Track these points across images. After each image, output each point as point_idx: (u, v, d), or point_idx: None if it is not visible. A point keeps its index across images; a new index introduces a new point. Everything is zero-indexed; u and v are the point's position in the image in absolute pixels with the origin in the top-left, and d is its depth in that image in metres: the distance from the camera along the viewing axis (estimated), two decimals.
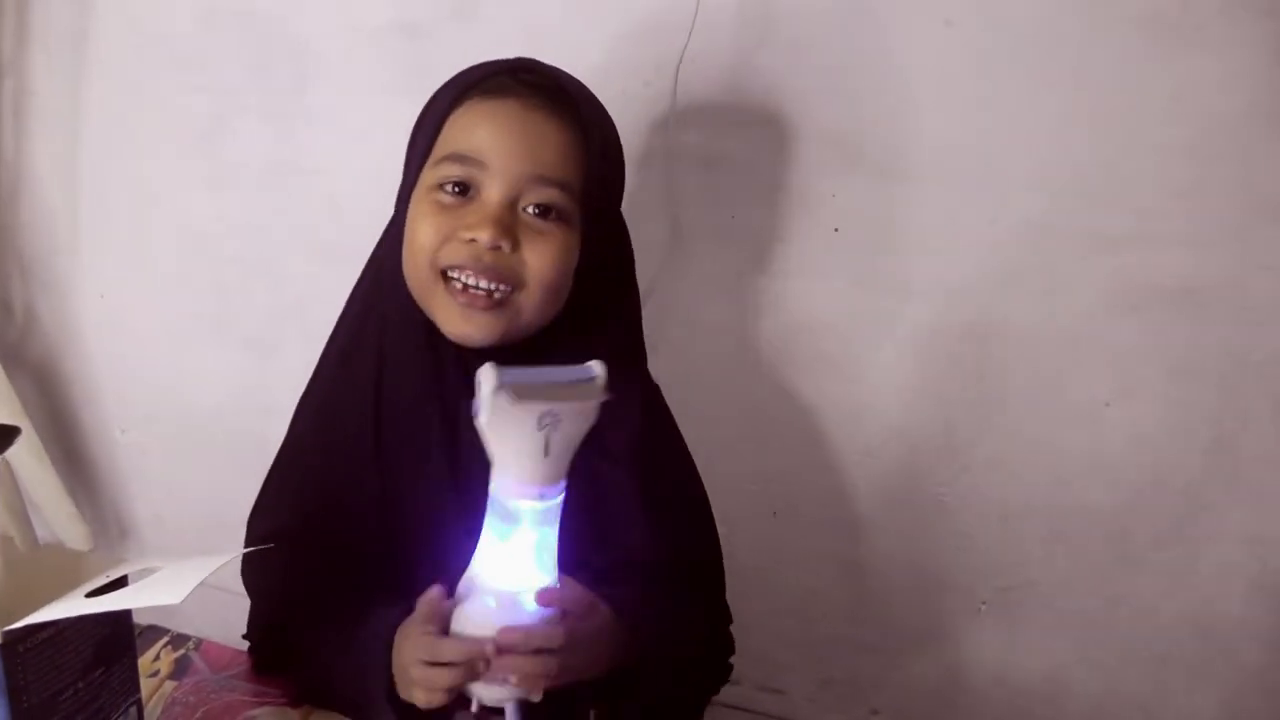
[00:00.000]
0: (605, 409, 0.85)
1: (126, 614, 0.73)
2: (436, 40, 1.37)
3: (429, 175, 0.86)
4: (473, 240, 0.83)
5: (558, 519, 0.74)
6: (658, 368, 1.06)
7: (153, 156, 1.59)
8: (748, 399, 1.38)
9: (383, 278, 0.94)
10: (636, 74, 1.28)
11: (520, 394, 0.67)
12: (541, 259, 0.85)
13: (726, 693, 1.56)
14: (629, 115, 1.28)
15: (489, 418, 0.68)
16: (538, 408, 0.68)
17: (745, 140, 1.28)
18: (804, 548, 1.45)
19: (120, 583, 0.70)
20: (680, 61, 1.23)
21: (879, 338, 1.32)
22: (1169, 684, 1.39)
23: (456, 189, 0.85)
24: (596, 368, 0.73)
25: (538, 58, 0.92)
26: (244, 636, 1.01)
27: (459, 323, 0.86)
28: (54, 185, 1.67)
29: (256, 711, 0.92)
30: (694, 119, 1.27)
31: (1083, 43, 1.16)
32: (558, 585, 0.76)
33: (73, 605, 0.64)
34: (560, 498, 0.73)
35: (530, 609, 0.75)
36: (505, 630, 0.73)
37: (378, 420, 0.92)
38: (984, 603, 1.42)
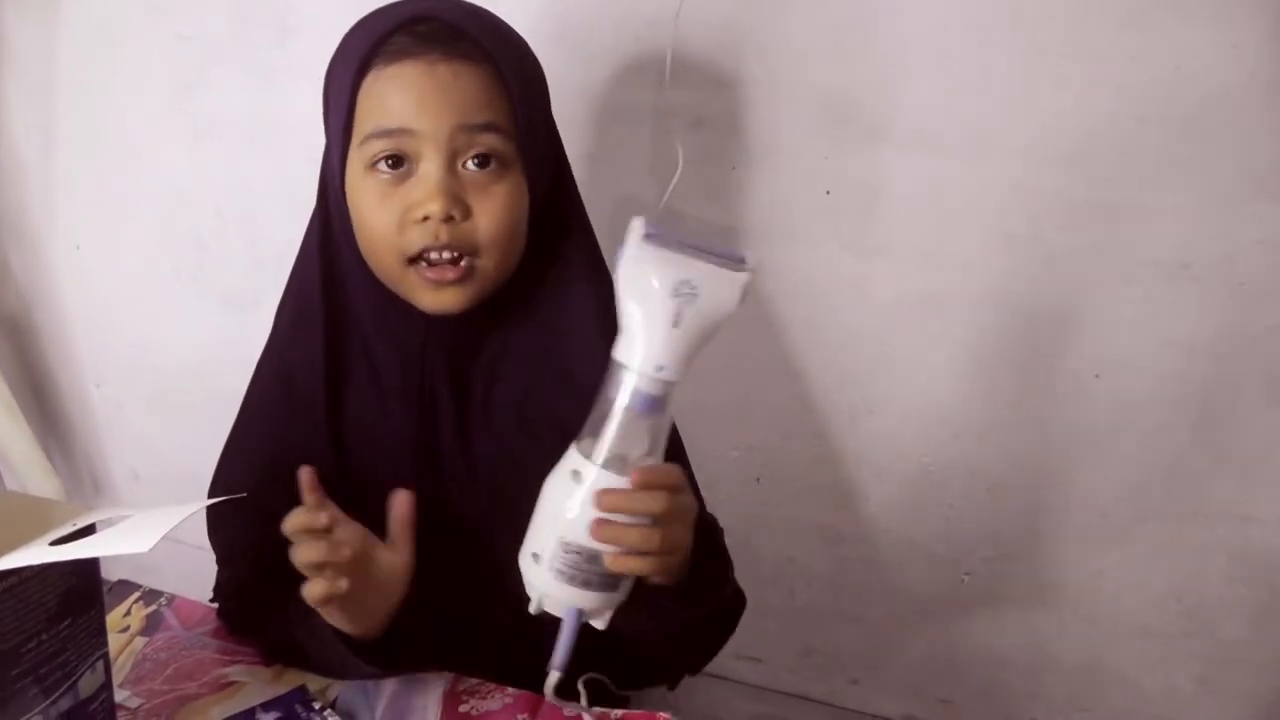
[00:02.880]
0: (572, 341, 0.88)
1: (94, 564, 0.71)
2: None
3: (358, 155, 0.83)
4: (426, 218, 0.81)
5: (667, 408, 0.70)
6: None
7: (130, 108, 1.56)
8: (732, 363, 1.36)
9: (331, 250, 0.92)
10: (627, 28, 1.25)
11: (664, 245, 0.66)
12: (494, 219, 0.83)
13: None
14: (619, 71, 1.27)
15: (627, 268, 0.67)
16: (677, 270, 0.67)
17: (737, 100, 1.26)
18: (786, 515, 1.45)
19: (87, 532, 0.67)
20: (677, 16, 1.21)
21: (867, 303, 1.30)
22: (1149, 657, 1.39)
23: (391, 162, 0.83)
24: (749, 255, 0.70)
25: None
26: (211, 601, 0.99)
27: (432, 298, 0.85)
28: (27, 136, 1.64)
29: (228, 669, 0.90)
30: (685, 77, 1.24)
31: (1081, 10, 1.13)
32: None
33: (36, 553, 0.61)
34: (675, 385, 0.69)
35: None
36: (603, 492, 0.69)
37: (338, 386, 0.92)
38: (967, 574, 1.42)
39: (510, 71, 0.82)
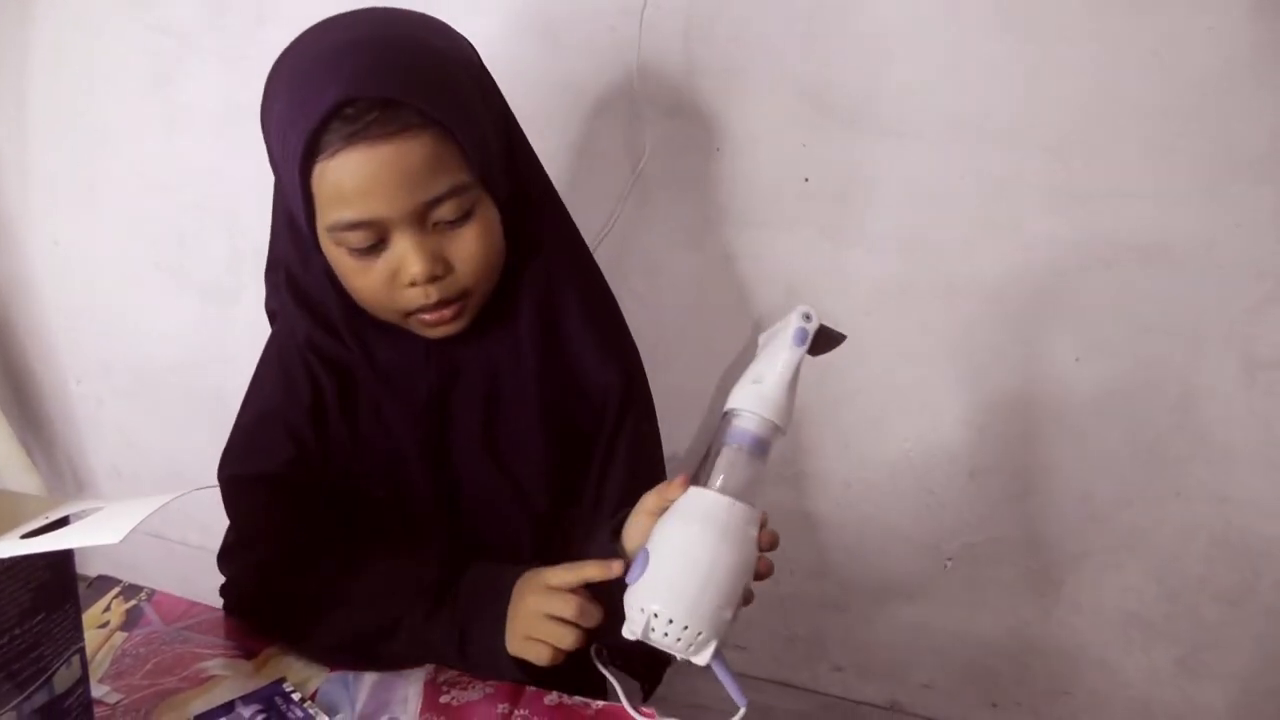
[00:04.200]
0: (565, 334, 0.94)
1: (68, 558, 0.70)
2: None
3: (328, 235, 0.83)
4: (413, 283, 0.83)
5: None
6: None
7: (105, 100, 1.54)
8: (710, 351, 1.36)
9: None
10: (600, 19, 1.24)
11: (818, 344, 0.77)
12: (475, 263, 0.85)
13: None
14: (592, 61, 1.26)
15: (803, 347, 0.76)
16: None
17: (712, 88, 1.25)
18: (767, 502, 1.38)
19: (61, 524, 0.67)
20: (645, 6, 1.20)
21: (847, 290, 1.30)
22: (1131, 640, 1.40)
23: (360, 241, 0.82)
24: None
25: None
26: (223, 591, 0.99)
27: (433, 334, 0.89)
28: (1, 130, 1.62)
29: (209, 663, 0.89)
30: (659, 65, 1.24)
31: None
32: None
33: (7, 546, 0.61)
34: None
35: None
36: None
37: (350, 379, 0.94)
38: (950, 559, 1.42)
39: (454, 123, 0.80)
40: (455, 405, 0.93)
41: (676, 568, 0.74)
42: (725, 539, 0.74)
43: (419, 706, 0.85)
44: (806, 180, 1.25)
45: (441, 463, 0.94)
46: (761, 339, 0.80)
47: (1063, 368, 1.26)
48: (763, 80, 1.23)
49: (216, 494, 0.93)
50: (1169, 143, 1.14)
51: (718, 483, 0.76)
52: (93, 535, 0.59)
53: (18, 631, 0.66)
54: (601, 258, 1.01)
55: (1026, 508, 1.36)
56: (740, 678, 0.76)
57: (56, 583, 0.69)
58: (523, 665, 0.83)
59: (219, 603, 0.98)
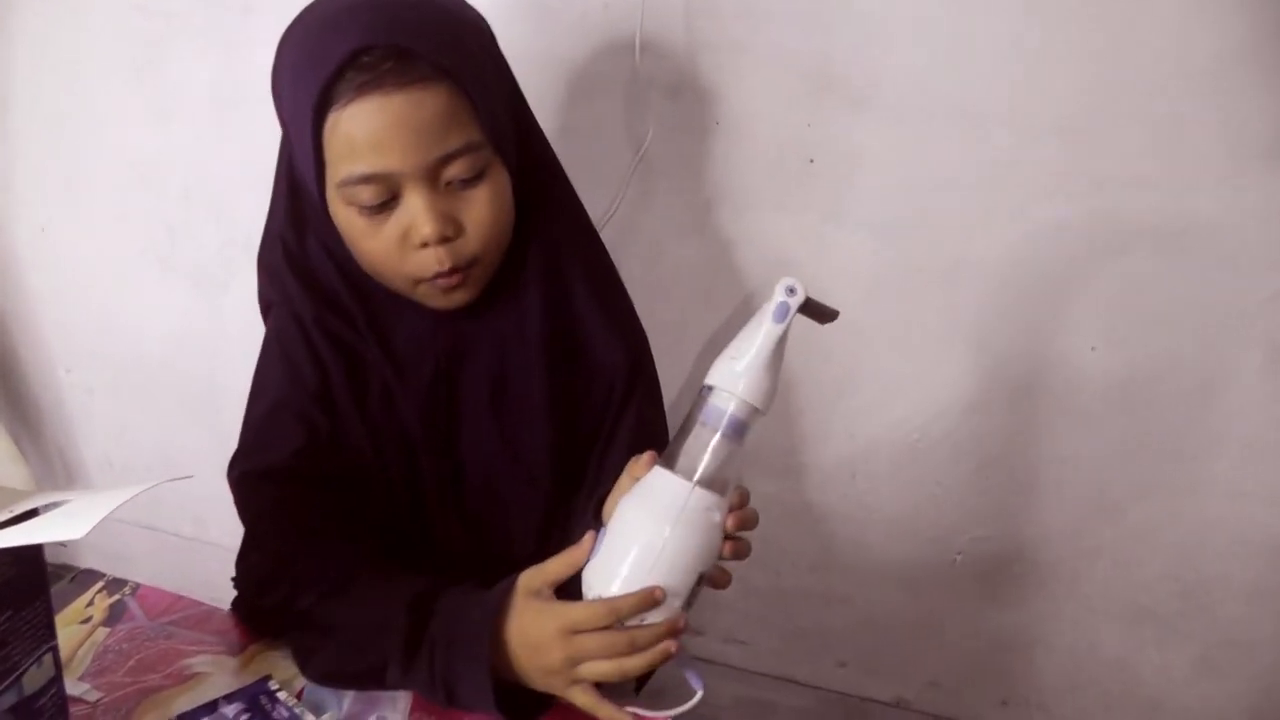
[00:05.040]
0: (573, 309, 0.94)
1: (37, 553, 0.67)
2: None
3: (337, 193, 0.83)
4: (424, 244, 0.82)
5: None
6: None
7: (90, 83, 1.52)
8: (710, 337, 1.33)
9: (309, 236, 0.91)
10: None
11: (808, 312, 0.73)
12: (486, 227, 0.85)
13: (690, 644, 1.54)
14: (589, 40, 1.24)
15: (783, 324, 0.71)
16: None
17: (714, 67, 1.22)
18: (770, 494, 1.42)
19: (29, 517, 0.64)
20: None
21: (851, 275, 1.27)
22: (1145, 638, 1.38)
23: (371, 197, 0.82)
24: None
25: None
26: (232, 579, 0.95)
27: (442, 301, 0.88)
28: None
29: (193, 660, 0.87)
30: (661, 45, 1.21)
31: None
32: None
33: None
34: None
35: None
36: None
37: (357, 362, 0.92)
38: (959, 554, 1.40)
39: (468, 78, 0.80)
40: (462, 381, 0.93)
41: (624, 553, 0.72)
42: (679, 524, 0.72)
43: (409, 705, 0.82)
44: (811, 162, 1.23)
45: (448, 439, 0.93)
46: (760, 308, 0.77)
47: (1076, 357, 1.24)
48: (767, 60, 1.20)
49: (209, 487, 0.90)
50: (1182, 126, 1.11)
51: (682, 463, 0.73)
52: (55, 530, 0.56)
53: None
54: (604, 237, 0.99)
55: (1037, 501, 1.34)
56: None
57: (24, 579, 0.67)
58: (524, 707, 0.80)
59: (210, 596, 0.95)
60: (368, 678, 0.83)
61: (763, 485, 1.41)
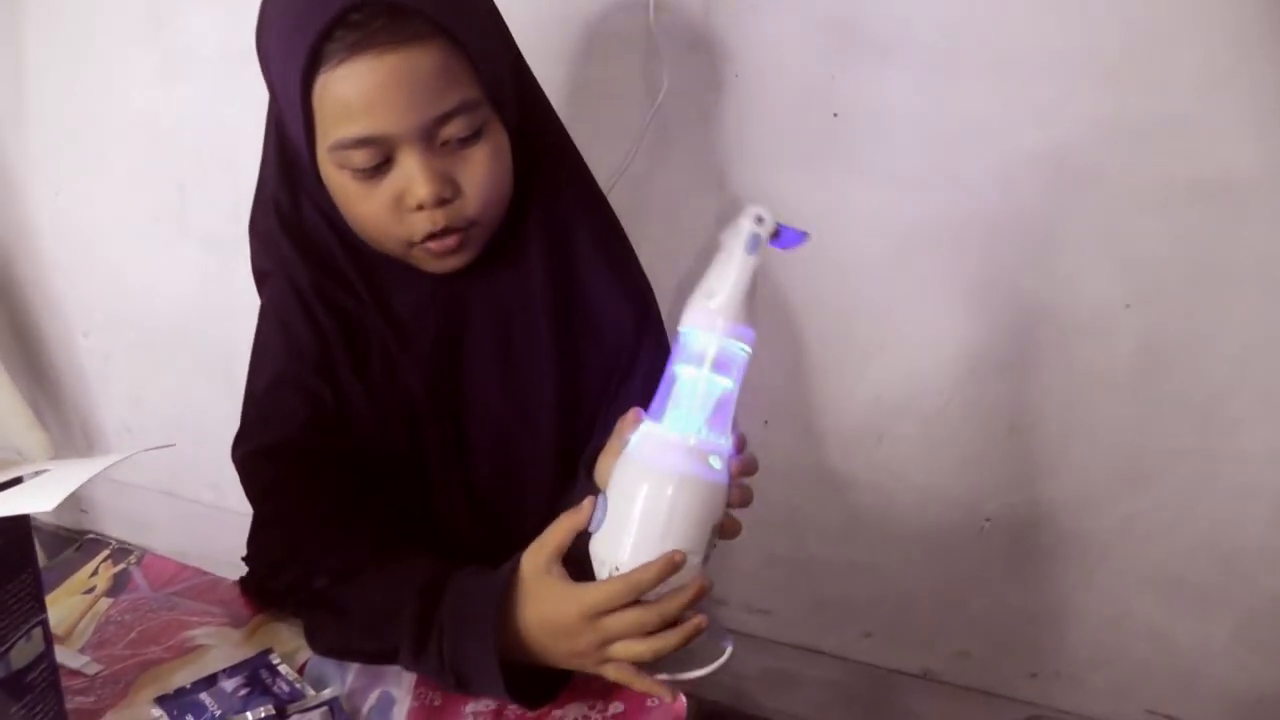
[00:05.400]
0: (581, 271, 0.92)
1: (23, 524, 0.65)
2: None
3: (329, 156, 0.80)
4: (420, 206, 0.80)
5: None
6: (644, 264, 0.98)
7: (99, 45, 1.50)
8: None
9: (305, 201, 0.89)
10: None
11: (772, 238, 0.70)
12: (484, 188, 0.82)
13: (713, 614, 1.52)
14: None
15: (755, 255, 0.69)
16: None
17: (734, 17, 1.18)
18: (795, 460, 1.40)
19: (12, 485, 0.62)
20: None
21: (878, 232, 1.24)
22: (1181, 609, 1.34)
23: (366, 160, 0.79)
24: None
25: None
26: (244, 559, 0.93)
27: (437, 265, 0.86)
28: None
29: (195, 631, 0.86)
30: None
31: None
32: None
33: None
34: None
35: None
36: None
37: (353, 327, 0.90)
38: (987, 520, 1.37)
39: (464, 34, 0.77)
40: (465, 344, 0.91)
41: (633, 519, 0.70)
42: (684, 483, 0.69)
43: (414, 680, 0.81)
44: (835, 116, 1.19)
45: (453, 405, 0.91)
46: (722, 238, 0.73)
47: (1111, 315, 1.20)
48: (786, 10, 1.16)
49: (228, 452, 0.89)
50: (1230, 68, 1.06)
51: (672, 415, 0.71)
52: (25, 502, 0.54)
53: None
54: (620, 198, 0.96)
55: (1069, 465, 1.30)
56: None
57: (10, 550, 0.65)
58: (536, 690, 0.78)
59: (228, 561, 0.94)
60: (378, 657, 0.81)
61: (787, 452, 1.39)
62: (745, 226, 0.69)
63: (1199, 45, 1.06)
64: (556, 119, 0.93)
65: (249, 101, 1.39)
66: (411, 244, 0.83)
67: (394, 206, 0.80)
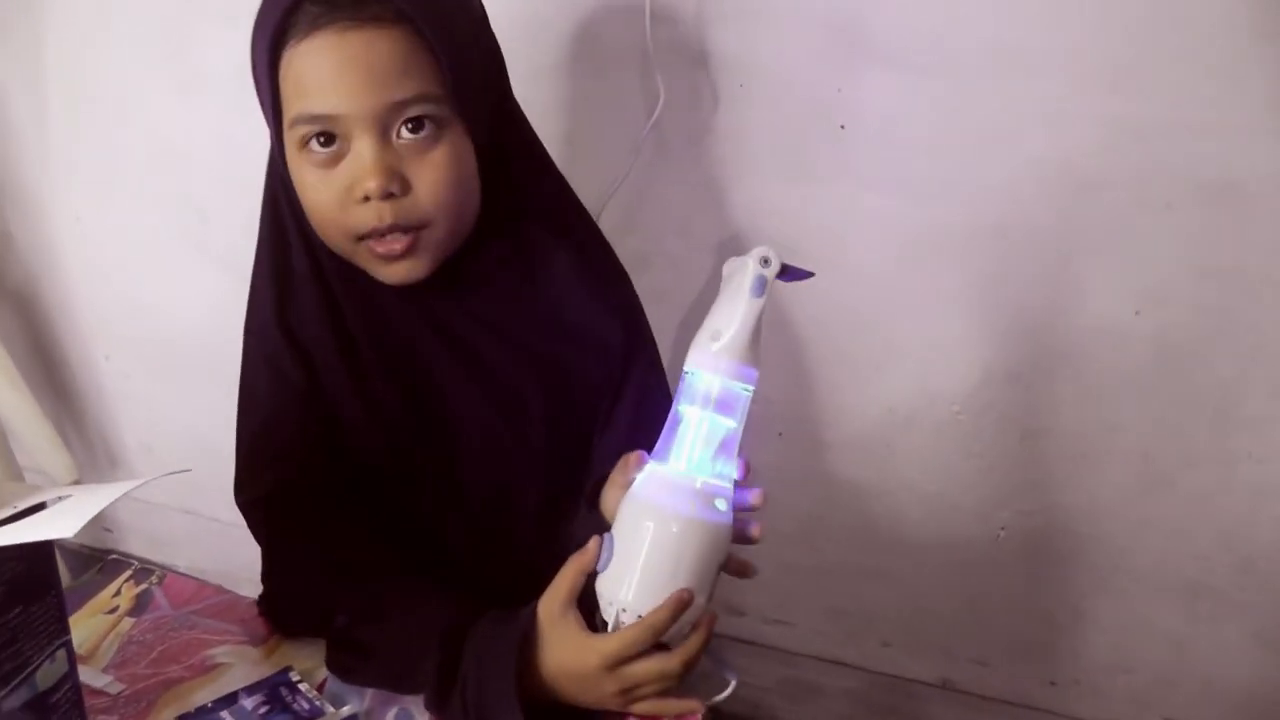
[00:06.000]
0: (558, 292, 0.91)
1: (47, 548, 0.66)
2: None
3: (290, 136, 0.81)
4: (367, 197, 0.79)
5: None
6: (651, 282, 0.99)
7: (117, 66, 1.51)
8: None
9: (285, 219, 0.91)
10: None
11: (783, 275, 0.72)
12: (435, 189, 0.81)
13: (731, 625, 1.52)
14: (603, 10, 1.20)
15: (762, 298, 0.71)
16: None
17: (737, 32, 1.18)
18: (810, 470, 1.40)
19: (36, 511, 0.63)
20: None
21: (888, 241, 1.24)
22: (1200, 614, 1.33)
23: (322, 140, 0.79)
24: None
25: None
26: (262, 578, 0.96)
27: (387, 272, 0.85)
28: (19, 104, 1.60)
29: (215, 650, 0.88)
30: (675, 11, 1.17)
31: None
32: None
33: None
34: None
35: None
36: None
37: (346, 350, 0.90)
38: (1003, 528, 1.37)
39: (430, 26, 0.77)
40: (443, 363, 0.91)
41: (640, 561, 0.71)
42: (690, 525, 0.70)
43: None
44: (842, 128, 1.19)
45: (440, 423, 0.91)
46: (726, 270, 0.75)
47: (1121, 320, 1.20)
48: (790, 21, 1.16)
49: None
50: (1238, 69, 1.06)
51: (675, 455, 0.72)
52: (47, 529, 0.55)
53: None
54: (616, 213, 0.96)
55: (1084, 471, 1.30)
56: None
57: (34, 574, 0.66)
58: None
59: (246, 579, 0.95)
60: (406, 691, 0.83)
61: (801, 461, 1.39)
62: (751, 268, 0.70)
63: (1206, 49, 1.06)
64: (539, 142, 0.93)
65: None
66: (358, 238, 0.82)
67: (344, 196, 0.80)
